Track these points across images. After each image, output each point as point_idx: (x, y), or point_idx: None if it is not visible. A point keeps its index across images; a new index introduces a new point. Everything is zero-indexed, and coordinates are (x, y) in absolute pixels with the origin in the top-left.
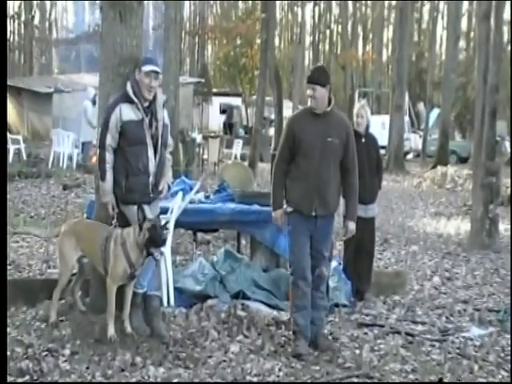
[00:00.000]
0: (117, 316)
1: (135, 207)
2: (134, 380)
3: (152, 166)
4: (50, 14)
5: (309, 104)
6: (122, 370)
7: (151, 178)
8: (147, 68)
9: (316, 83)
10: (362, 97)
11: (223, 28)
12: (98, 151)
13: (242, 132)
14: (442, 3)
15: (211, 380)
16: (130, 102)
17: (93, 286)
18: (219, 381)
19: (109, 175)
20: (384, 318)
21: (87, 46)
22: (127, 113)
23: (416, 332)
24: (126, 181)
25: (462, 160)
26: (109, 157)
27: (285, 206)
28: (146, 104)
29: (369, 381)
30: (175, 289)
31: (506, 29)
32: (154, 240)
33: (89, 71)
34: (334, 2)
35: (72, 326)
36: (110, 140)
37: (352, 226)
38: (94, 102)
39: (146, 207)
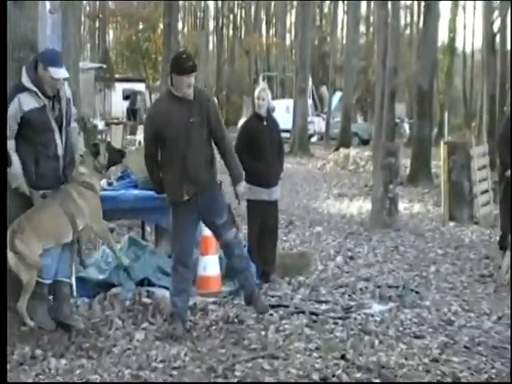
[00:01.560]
0: (13, 308)
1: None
2: (33, 373)
3: (60, 150)
4: None
5: (185, 91)
6: (21, 364)
7: (61, 162)
8: (58, 74)
9: (191, 72)
10: (267, 81)
11: (125, 12)
12: None
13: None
14: None
15: (116, 369)
16: (28, 90)
17: None
18: (123, 369)
19: (15, 158)
20: (289, 298)
21: None
22: (27, 102)
23: (320, 311)
24: (35, 167)
25: (364, 142)
26: (10, 143)
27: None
28: (45, 87)
29: (274, 361)
30: (77, 278)
31: (402, 14)
32: (116, 155)
33: None
34: None
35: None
36: (8, 131)
37: (240, 187)
38: None
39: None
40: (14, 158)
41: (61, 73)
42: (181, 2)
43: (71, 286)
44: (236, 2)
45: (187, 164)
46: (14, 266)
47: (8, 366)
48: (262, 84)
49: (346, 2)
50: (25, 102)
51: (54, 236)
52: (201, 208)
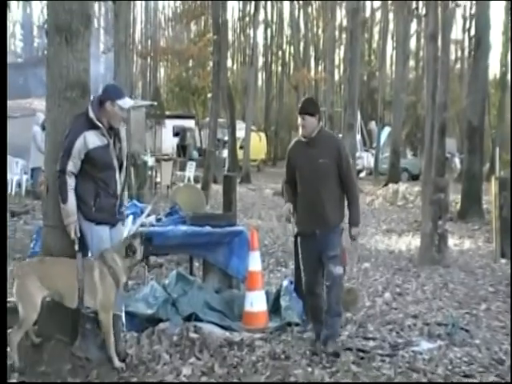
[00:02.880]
0: (66, 343)
1: (102, 228)
2: None
3: (119, 188)
4: None
5: (299, 132)
6: None
7: (118, 200)
8: (126, 104)
9: (305, 113)
10: None
11: (175, 50)
12: (58, 175)
13: (195, 154)
14: (391, 24)
15: None
16: (95, 128)
17: (41, 314)
18: None
19: (71, 196)
20: None
21: (36, 71)
22: (93, 140)
23: (367, 348)
24: (95, 202)
25: (414, 177)
26: (70, 181)
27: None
28: (107, 127)
29: None
30: (126, 313)
31: (452, 48)
32: (149, 247)
33: (38, 96)
34: (285, 24)
35: (19, 354)
36: (72, 167)
37: (355, 230)
38: (43, 128)
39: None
40: (70, 196)
41: (128, 102)
42: (230, 39)
43: (122, 320)
44: (285, 39)
45: (317, 204)
46: (15, 295)
47: None
48: None
49: (394, 38)
50: (91, 140)
51: (56, 291)
52: (321, 245)
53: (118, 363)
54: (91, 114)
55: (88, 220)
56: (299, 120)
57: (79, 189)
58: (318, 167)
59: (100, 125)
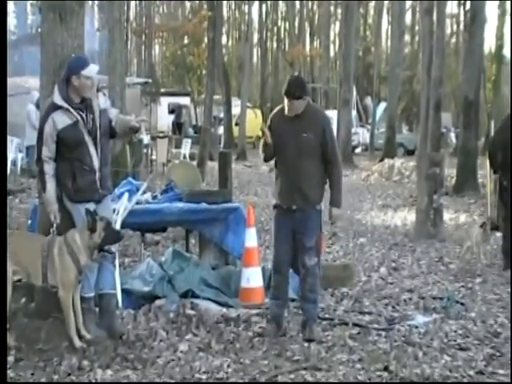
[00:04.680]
0: (63, 321)
1: (84, 206)
2: None
3: (96, 162)
4: None
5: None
6: (69, 375)
7: (97, 174)
8: (91, 72)
9: (292, 98)
10: (311, 93)
11: (170, 27)
12: (36, 164)
13: (191, 131)
14: None
15: (160, 380)
16: (61, 108)
17: (38, 292)
18: (167, 380)
19: (49, 185)
20: (332, 310)
21: (31, 49)
22: (61, 120)
23: (363, 322)
24: (73, 182)
25: (409, 152)
26: (47, 167)
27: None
28: (78, 101)
29: (316, 372)
30: (123, 291)
31: (448, 22)
32: (112, 237)
33: (33, 74)
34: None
35: (16, 332)
36: (47, 152)
37: (336, 211)
38: (37, 106)
39: (91, 206)
40: (49, 186)
41: (93, 69)
42: (225, 15)
43: (116, 297)
44: (280, 14)
45: (298, 178)
46: None
47: (56, 377)
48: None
49: (390, 12)
50: (59, 120)
51: (23, 268)
52: (297, 224)
53: (78, 343)
54: (56, 96)
55: (71, 201)
56: (286, 101)
57: (57, 172)
58: (300, 141)
59: (65, 104)
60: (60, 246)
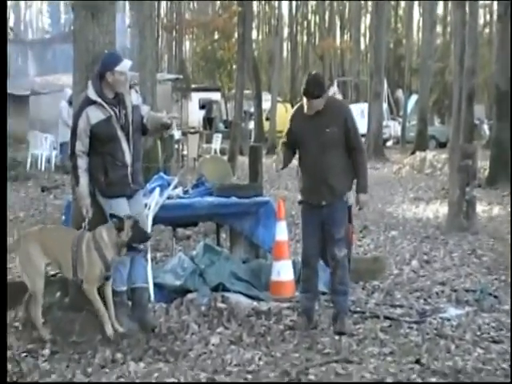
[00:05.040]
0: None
1: (117, 201)
2: (114, 376)
3: (128, 157)
4: (25, 16)
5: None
6: (103, 367)
7: (129, 169)
8: (125, 67)
9: (311, 98)
10: (342, 85)
11: (200, 23)
12: (69, 159)
13: (221, 126)
14: None
15: (192, 372)
16: (95, 103)
17: (72, 285)
18: (199, 372)
19: (82, 180)
20: (363, 303)
21: (64, 47)
22: (95, 115)
23: (394, 315)
24: (105, 176)
25: (441, 145)
26: (81, 162)
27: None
28: (111, 96)
29: (348, 365)
30: (155, 285)
31: (481, 12)
32: (139, 236)
33: (66, 72)
34: None
35: (52, 325)
36: (80, 146)
37: (363, 197)
38: (70, 103)
39: (124, 201)
40: (82, 180)
41: (126, 64)
42: (255, 10)
43: (149, 291)
44: (310, 8)
45: (324, 174)
46: (18, 264)
47: (90, 369)
48: (332, 89)
49: (421, 3)
50: (92, 115)
51: (55, 261)
52: (326, 218)
53: (109, 330)
54: (90, 91)
55: (103, 195)
56: (305, 101)
57: (89, 166)
58: (325, 137)
59: (98, 99)
60: (88, 241)
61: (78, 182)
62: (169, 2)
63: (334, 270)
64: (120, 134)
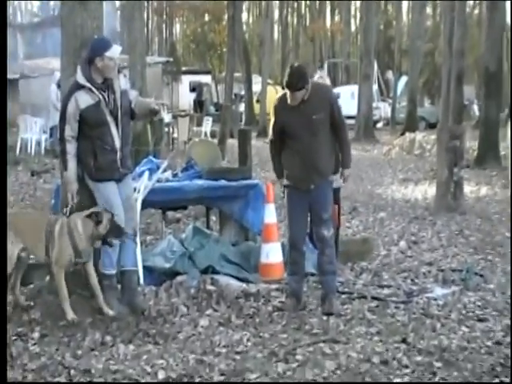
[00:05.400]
0: (87, 297)
1: (105, 185)
2: (103, 359)
3: (117, 142)
4: None
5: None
6: (92, 350)
7: (118, 154)
8: (115, 53)
9: (294, 90)
10: (332, 67)
11: (190, 5)
12: (58, 143)
13: (212, 109)
14: None
15: (181, 354)
16: (84, 88)
17: None
18: (188, 354)
19: (70, 164)
20: (351, 284)
21: (53, 30)
22: (84, 99)
23: (382, 296)
24: (94, 161)
25: (431, 126)
26: (70, 147)
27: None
28: (100, 81)
29: (335, 345)
30: (144, 267)
31: None
32: (115, 231)
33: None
34: None
35: (41, 309)
36: (69, 131)
37: (347, 172)
38: (59, 86)
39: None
40: (70, 164)
41: (116, 50)
42: None
43: (138, 274)
44: None
45: (313, 159)
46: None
47: (79, 352)
48: (320, 72)
49: None
50: (81, 100)
51: (28, 244)
52: (313, 199)
53: (70, 314)
54: (79, 75)
55: (92, 179)
56: (288, 93)
57: (78, 151)
58: (312, 124)
59: (87, 84)
60: (62, 226)
61: (66, 167)
62: None
63: (322, 250)
64: (109, 118)
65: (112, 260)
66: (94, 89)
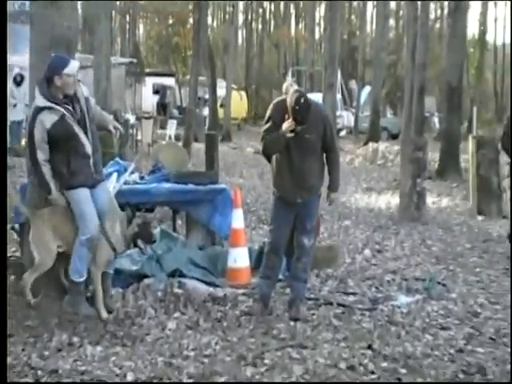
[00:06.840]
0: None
1: (78, 191)
2: (71, 359)
3: (89, 149)
4: None
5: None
6: (59, 351)
7: (91, 159)
8: (73, 69)
9: (300, 124)
10: (296, 75)
11: (155, 7)
12: (32, 169)
13: (175, 112)
14: None
15: (149, 356)
16: (45, 108)
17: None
18: (156, 357)
19: (52, 185)
20: (317, 290)
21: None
22: (48, 119)
23: (347, 302)
24: (68, 168)
25: (393, 136)
26: (45, 169)
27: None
28: (61, 97)
29: (302, 350)
30: None
31: (432, 7)
32: (143, 236)
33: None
34: None
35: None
36: (42, 155)
37: (333, 195)
38: (15, 80)
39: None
40: (52, 186)
41: (74, 66)
42: None
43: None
44: None
45: (302, 176)
46: (32, 241)
47: (47, 353)
48: (289, 79)
49: None
50: (46, 120)
51: (65, 241)
52: (299, 210)
53: (104, 315)
54: (39, 99)
55: (66, 188)
56: (291, 119)
57: (51, 162)
58: (304, 143)
59: (47, 103)
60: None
61: (49, 190)
62: None
63: (299, 257)
64: (77, 128)
65: (81, 268)
66: (55, 106)
